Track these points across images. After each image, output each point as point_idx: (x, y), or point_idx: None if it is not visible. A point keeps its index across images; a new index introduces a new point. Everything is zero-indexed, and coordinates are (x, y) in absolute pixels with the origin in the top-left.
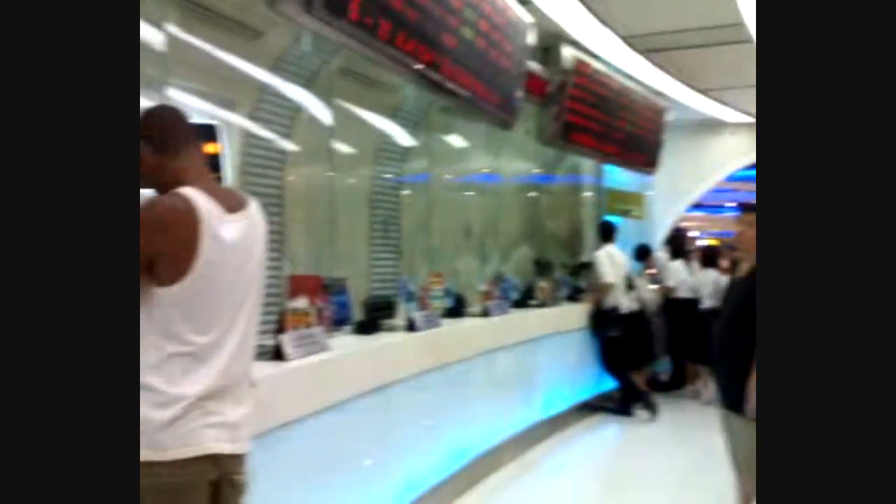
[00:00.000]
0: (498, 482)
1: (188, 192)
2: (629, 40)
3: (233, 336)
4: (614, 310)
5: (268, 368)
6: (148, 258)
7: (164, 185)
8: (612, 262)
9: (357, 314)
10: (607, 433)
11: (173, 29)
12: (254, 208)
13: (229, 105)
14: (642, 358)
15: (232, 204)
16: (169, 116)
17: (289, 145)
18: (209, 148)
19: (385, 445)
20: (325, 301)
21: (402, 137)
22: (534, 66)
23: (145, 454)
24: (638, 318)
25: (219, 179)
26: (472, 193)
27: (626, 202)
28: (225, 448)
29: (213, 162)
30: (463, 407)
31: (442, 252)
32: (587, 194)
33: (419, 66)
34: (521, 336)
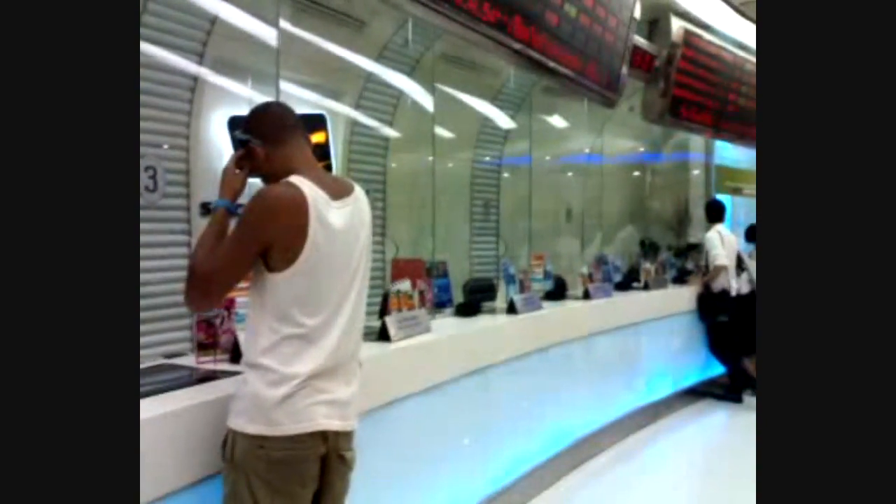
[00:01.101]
0: (598, 467)
1: (296, 180)
2: (742, 8)
3: (341, 318)
4: (724, 293)
5: (373, 349)
6: (262, 245)
7: (274, 176)
8: (722, 243)
9: (458, 297)
10: (714, 420)
11: (285, 24)
12: (359, 194)
13: (336, 95)
14: (753, 342)
15: (338, 191)
16: (277, 111)
17: (391, 132)
18: (318, 137)
19: (485, 426)
20: (428, 284)
21: (503, 120)
22: (639, 40)
23: (260, 429)
24: (749, 301)
25: (328, 167)
26: (573, 174)
27: (738, 180)
28: (334, 425)
29: (322, 150)
30: (563, 390)
31: (543, 234)
32: (695, 172)
33: (521, 47)
34: (624, 320)
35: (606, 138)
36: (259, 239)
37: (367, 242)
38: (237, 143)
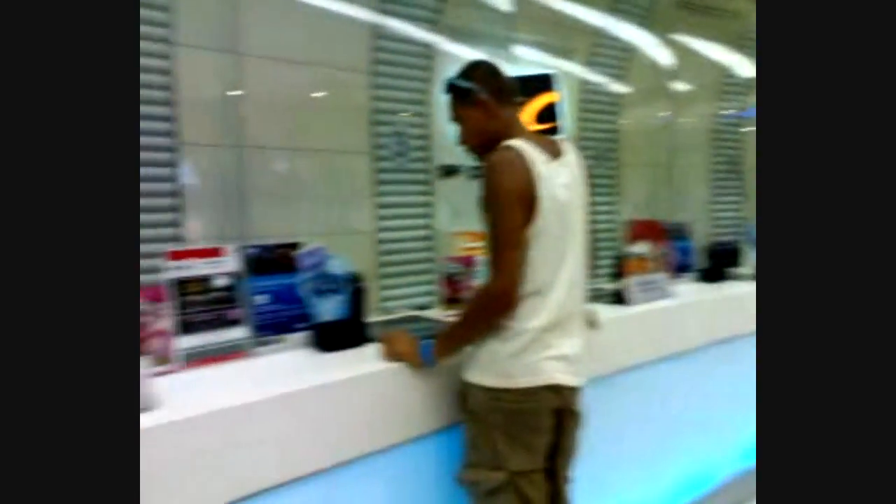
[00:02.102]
0: None
1: (516, 143)
2: None
3: (565, 273)
4: None
5: (610, 312)
6: (520, 208)
7: (489, 140)
8: None
9: (699, 261)
10: None
11: None
12: (573, 154)
13: (567, 54)
14: None
15: (554, 151)
16: (496, 69)
17: (623, 88)
18: (546, 98)
19: (729, 401)
20: (668, 246)
21: (746, 68)
22: None
23: (496, 382)
24: None
25: (554, 129)
26: None
27: None
28: (565, 379)
29: (550, 111)
30: None
31: None
32: None
33: None
34: None
35: None
36: (513, 205)
37: (584, 201)
38: (458, 94)
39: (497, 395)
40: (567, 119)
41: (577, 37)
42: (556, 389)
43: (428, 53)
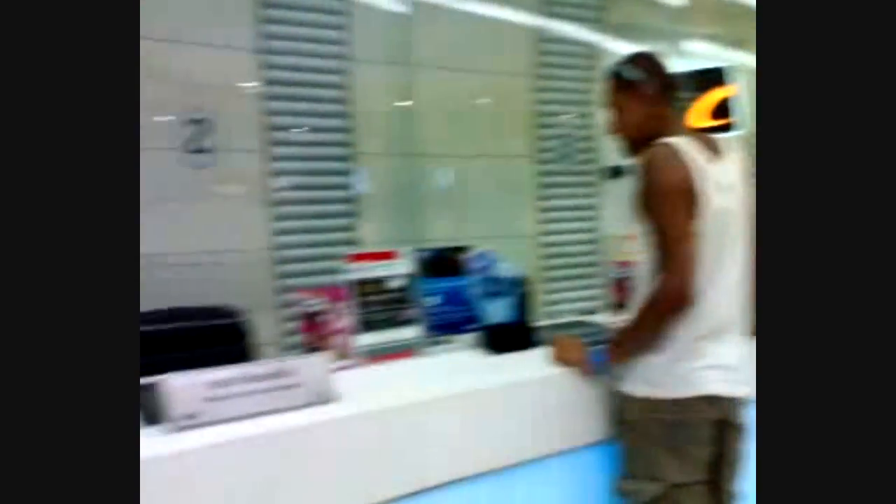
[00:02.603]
0: None
1: (674, 140)
2: None
3: (721, 279)
4: None
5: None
6: (683, 203)
7: (647, 133)
8: None
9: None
10: None
11: None
12: (736, 154)
13: (737, 44)
14: None
15: (715, 150)
16: (662, 63)
17: None
18: (720, 92)
19: None
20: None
21: None
22: None
23: (649, 392)
24: None
25: (728, 126)
26: None
27: None
28: (723, 389)
29: (723, 106)
30: None
31: None
32: None
33: None
34: None
35: None
36: (676, 200)
37: (746, 203)
38: (621, 82)
39: (651, 405)
40: (745, 114)
41: (749, 24)
42: (713, 400)
43: (591, 53)
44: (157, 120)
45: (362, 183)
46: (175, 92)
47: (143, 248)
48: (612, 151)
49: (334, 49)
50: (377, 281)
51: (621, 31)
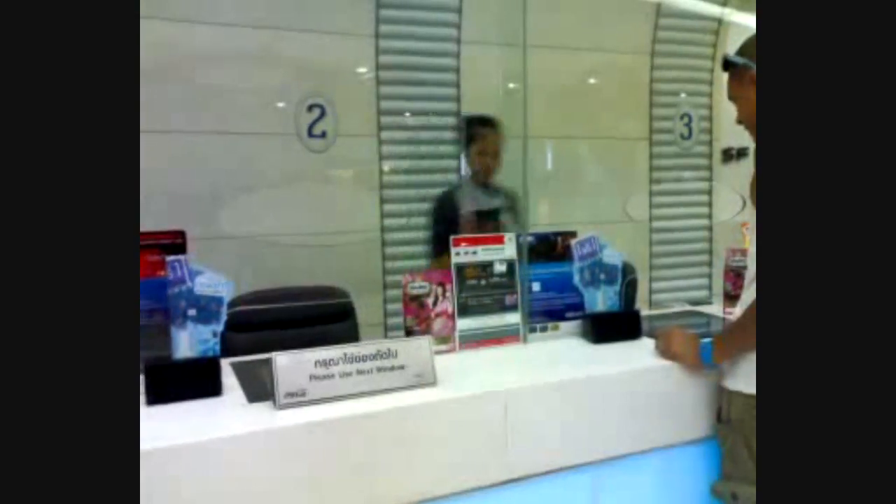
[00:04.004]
0: None
1: None
2: None
3: None
4: None
5: None
6: None
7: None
8: None
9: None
10: None
11: None
12: None
13: None
14: None
15: None
16: None
17: None
18: None
19: None
20: None
21: None
22: None
23: (755, 389)
24: None
25: None
26: None
27: None
28: None
29: None
30: None
31: None
32: None
33: None
34: None
35: None
36: None
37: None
38: (734, 70)
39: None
40: None
41: None
42: None
43: (714, 28)
44: (278, 106)
45: (465, 167)
46: (296, 78)
47: (257, 229)
48: (729, 134)
49: (447, 32)
50: (481, 265)
51: (746, 4)
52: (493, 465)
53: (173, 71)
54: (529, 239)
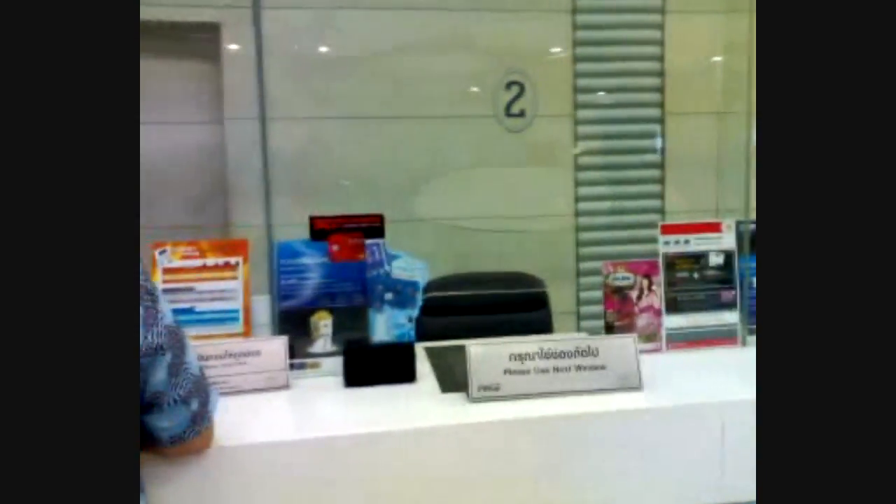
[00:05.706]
0: None
1: None
2: None
3: None
4: None
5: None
6: None
7: None
8: None
9: None
10: None
11: None
12: None
13: None
14: None
15: None
16: None
17: None
18: None
19: None
20: None
21: None
22: None
23: None
24: None
25: None
26: None
27: None
28: None
29: None
30: None
31: None
32: None
33: None
34: None
35: None
36: None
37: None
38: None
39: None
40: None
41: None
42: None
43: None
44: (473, 90)
45: (659, 145)
46: (492, 60)
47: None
48: None
49: (649, 1)
50: (694, 256)
51: None
52: (703, 486)
53: (373, 60)
54: (751, 227)
